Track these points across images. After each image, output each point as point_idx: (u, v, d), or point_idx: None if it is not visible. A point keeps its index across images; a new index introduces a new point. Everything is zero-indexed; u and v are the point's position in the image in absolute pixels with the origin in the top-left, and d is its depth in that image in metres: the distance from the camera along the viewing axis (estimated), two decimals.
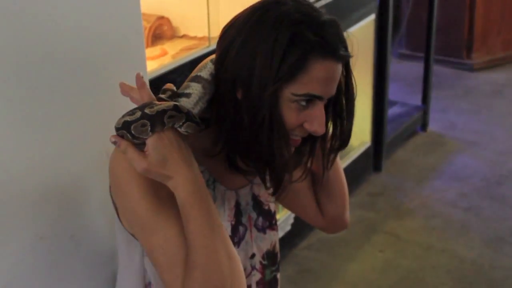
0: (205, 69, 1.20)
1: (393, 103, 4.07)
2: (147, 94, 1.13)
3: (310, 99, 1.15)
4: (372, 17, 3.29)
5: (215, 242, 1.11)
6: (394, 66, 4.24)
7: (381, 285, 2.87)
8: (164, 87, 1.20)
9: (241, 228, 1.31)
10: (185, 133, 1.14)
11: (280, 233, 2.73)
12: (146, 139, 1.09)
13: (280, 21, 1.12)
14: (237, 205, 1.31)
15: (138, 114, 1.08)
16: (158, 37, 2.36)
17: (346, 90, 1.22)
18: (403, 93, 4.43)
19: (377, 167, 3.69)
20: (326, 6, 2.82)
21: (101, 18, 1.37)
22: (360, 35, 3.26)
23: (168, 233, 1.13)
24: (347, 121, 1.24)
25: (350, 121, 1.24)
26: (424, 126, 4.14)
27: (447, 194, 3.49)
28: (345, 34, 1.19)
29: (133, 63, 1.47)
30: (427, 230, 3.22)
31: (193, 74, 1.21)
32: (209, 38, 2.27)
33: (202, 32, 2.33)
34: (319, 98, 1.15)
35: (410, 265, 2.98)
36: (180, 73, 2.02)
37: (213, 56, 1.22)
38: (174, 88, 1.19)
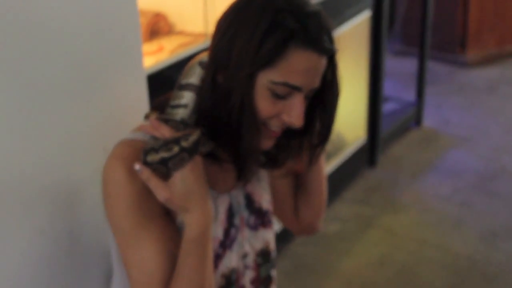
0: (195, 75, 1.19)
1: (388, 99, 4.09)
2: (167, 130, 1.15)
3: (289, 89, 1.13)
4: (367, 13, 3.30)
5: (204, 276, 1.16)
6: (389, 62, 4.25)
7: (376, 280, 2.89)
8: (147, 113, 1.22)
9: (233, 230, 1.31)
10: (205, 153, 1.17)
11: (276, 228, 2.73)
12: (177, 170, 1.11)
13: (263, 7, 1.11)
14: (230, 207, 1.31)
15: (176, 149, 1.10)
16: (155, 33, 2.37)
17: (330, 86, 1.20)
18: (398, 89, 4.44)
19: (372, 163, 3.70)
20: (321, 1, 2.83)
21: (98, 15, 1.37)
22: (355, 31, 3.29)
23: (147, 252, 1.15)
24: (329, 116, 1.23)
25: (332, 117, 1.23)
26: (418, 121, 4.15)
27: (442, 189, 3.50)
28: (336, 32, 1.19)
29: (130, 58, 1.47)
30: (421, 225, 3.24)
31: (182, 79, 1.20)
32: (206, 34, 2.28)
33: (199, 28, 2.34)
34: (297, 89, 1.13)
35: (405, 260, 2.99)
36: (177, 69, 2.02)
37: (201, 57, 1.21)
38: (157, 115, 1.20)
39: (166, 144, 1.11)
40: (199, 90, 1.19)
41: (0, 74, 1.21)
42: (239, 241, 1.33)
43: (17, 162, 1.26)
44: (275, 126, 1.17)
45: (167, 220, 1.19)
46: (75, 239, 1.40)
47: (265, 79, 1.12)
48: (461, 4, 4.89)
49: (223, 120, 1.16)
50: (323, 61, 1.15)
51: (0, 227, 1.25)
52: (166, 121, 1.17)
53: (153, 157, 1.10)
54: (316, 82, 1.16)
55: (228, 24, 1.14)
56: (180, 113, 1.18)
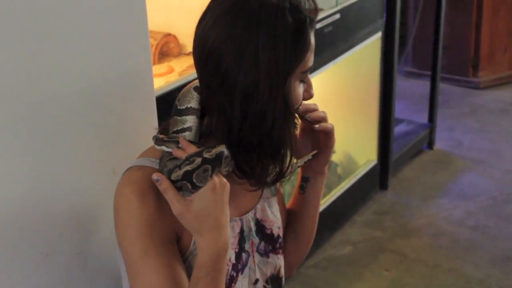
0: (193, 99, 1.19)
1: (400, 121, 4.06)
2: (195, 149, 1.13)
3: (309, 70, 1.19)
4: (378, 35, 3.29)
5: None
6: (401, 84, 4.24)
7: None
8: (157, 136, 1.18)
9: (244, 255, 1.30)
10: (225, 173, 1.15)
11: None
12: (202, 187, 1.09)
13: (274, 12, 1.11)
14: (241, 232, 1.30)
15: (199, 160, 1.08)
16: (165, 54, 2.37)
17: None
18: (410, 111, 4.42)
19: (383, 185, 3.67)
20: (333, 24, 2.83)
21: (109, 36, 1.37)
22: (366, 53, 3.28)
23: (153, 278, 1.13)
24: None
25: None
26: (430, 144, 4.12)
27: (454, 213, 3.47)
28: None
29: (140, 80, 1.47)
30: (434, 249, 3.20)
31: (180, 105, 1.19)
32: None
33: None
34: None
35: (417, 284, 2.95)
36: None
37: (193, 83, 1.20)
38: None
39: (189, 158, 1.09)
40: (220, 121, 1.16)
41: (10, 96, 1.20)
42: (250, 266, 1.31)
43: (24, 184, 1.26)
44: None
45: (176, 247, 1.18)
46: (81, 262, 1.39)
47: (297, 74, 1.16)
48: (473, 26, 4.88)
49: (258, 138, 1.15)
50: None
51: (5, 250, 1.24)
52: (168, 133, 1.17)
53: (177, 174, 1.09)
54: None
55: (241, 44, 1.11)
56: (187, 136, 1.16)
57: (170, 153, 1.14)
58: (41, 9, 1.23)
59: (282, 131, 1.16)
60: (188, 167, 1.08)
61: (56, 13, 1.25)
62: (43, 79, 1.25)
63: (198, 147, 1.13)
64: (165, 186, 1.09)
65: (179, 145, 1.13)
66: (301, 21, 1.13)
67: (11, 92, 1.21)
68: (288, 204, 1.45)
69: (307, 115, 1.29)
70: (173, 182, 1.09)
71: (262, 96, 1.12)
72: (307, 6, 1.15)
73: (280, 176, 1.23)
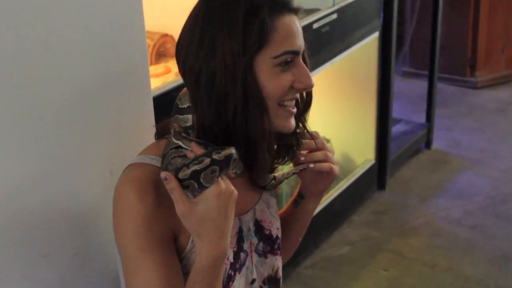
0: None
1: (397, 121, 4.06)
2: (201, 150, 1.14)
3: (291, 56, 1.15)
4: (375, 35, 3.29)
5: None
6: (398, 84, 4.24)
7: None
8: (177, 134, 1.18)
9: (242, 254, 1.30)
10: (233, 175, 1.15)
11: None
12: (208, 187, 1.09)
13: (228, 2, 1.12)
14: (240, 231, 1.29)
15: (208, 161, 1.09)
16: (161, 55, 2.37)
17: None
18: (407, 111, 4.42)
19: (381, 185, 3.67)
20: (330, 24, 2.83)
21: (105, 36, 1.36)
22: (364, 53, 3.28)
23: (148, 276, 1.13)
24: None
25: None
26: (428, 144, 4.13)
27: (452, 212, 3.47)
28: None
29: (137, 80, 1.47)
30: (432, 249, 3.20)
31: (181, 105, 1.19)
32: None
33: None
34: (296, 53, 1.16)
35: (415, 284, 2.95)
36: None
37: None
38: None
39: (197, 158, 1.09)
40: (195, 110, 1.17)
41: (7, 96, 1.20)
42: (248, 266, 1.31)
43: (21, 185, 1.25)
44: (290, 102, 1.19)
45: (173, 246, 1.18)
46: (79, 263, 1.38)
47: (265, 59, 1.13)
48: (471, 26, 4.88)
49: (230, 127, 1.15)
50: (299, 20, 1.19)
51: (4, 251, 1.24)
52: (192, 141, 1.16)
53: (185, 173, 1.09)
54: (302, 40, 1.19)
55: (200, 34, 1.13)
56: (192, 135, 1.17)
57: (175, 150, 1.14)
58: (39, 11, 1.23)
59: (244, 118, 1.14)
60: (196, 167, 1.08)
61: (53, 14, 1.25)
62: (39, 81, 1.25)
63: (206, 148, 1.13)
64: (172, 185, 1.09)
65: (190, 147, 1.14)
66: (255, 4, 1.12)
67: (6, 93, 1.21)
68: (280, 211, 1.45)
69: (304, 157, 1.30)
70: (180, 180, 1.09)
71: (220, 81, 1.12)
72: None
73: (259, 174, 1.22)
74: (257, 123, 1.15)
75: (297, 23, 1.17)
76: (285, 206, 1.45)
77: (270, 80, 1.14)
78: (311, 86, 1.19)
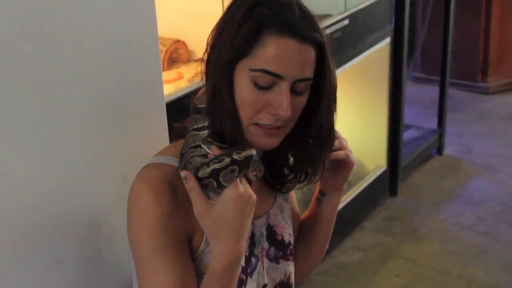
0: None
1: (409, 127, 4.05)
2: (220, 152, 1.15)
3: (271, 78, 1.12)
4: (387, 40, 3.29)
5: None
6: (410, 90, 4.23)
7: None
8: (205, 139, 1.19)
9: (253, 259, 1.30)
10: (254, 178, 1.15)
11: None
12: (226, 187, 1.09)
13: (242, 3, 1.14)
14: (252, 236, 1.29)
15: (228, 160, 1.09)
16: (174, 61, 2.37)
17: (322, 79, 1.19)
18: (419, 117, 4.41)
19: (393, 191, 3.66)
20: (342, 29, 2.83)
21: (118, 42, 1.37)
22: (375, 58, 3.28)
23: (163, 278, 1.13)
24: (324, 110, 1.20)
25: (325, 110, 1.21)
26: (440, 149, 4.11)
27: (464, 219, 3.45)
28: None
29: (150, 86, 1.47)
30: (444, 255, 3.19)
31: (200, 104, 1.21)
32: None
33: None
34: (279, 77, 1.12)
35: None
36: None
37: None
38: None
39: (218, 157, 1.10)
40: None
41: (21, 100, 1.21)
42: (259, 271, 1.31)
43: (35, 190, 1.26)
44: (267, 121, 1.15)
45: (187, 247, 1.18)
46: (93, 268, 1.39)
47: (245, 68, 1.13)
48: (482, 31, 4.87)
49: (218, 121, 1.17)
50: (308, 50, 1.14)
51: (18, 256, 1.25)
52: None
53: (204, 171, 1.09)
54: (303, 72, 1.14)
55: (217, 26, 1.18)
56: (207, 133, 1.18)
57: (194, 149, 1.15)
58: (57, 20, 1.23)
59: (218, 114, 1.16)
60: (216, 165, 1.09)
61: (69, 22, 1.26)
62: (54, 87, 1.26)
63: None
64: (191, 185, 1.10)
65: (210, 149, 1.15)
66: (256, 15, 1.12)
67: (23, 100, 1.21)
68: (304, 214, 1.46)
69: None
70: (200, 179, 1.10)
71: (211, 70, 1.17)
72: (288, 17, 1.12)
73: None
74: (227, 127, 1.16)
75: (301, 52, 1.13)
76: (307, 209, 1.46)
77: (241, 91, 1.14)
78: (284, 116, 1.13)
